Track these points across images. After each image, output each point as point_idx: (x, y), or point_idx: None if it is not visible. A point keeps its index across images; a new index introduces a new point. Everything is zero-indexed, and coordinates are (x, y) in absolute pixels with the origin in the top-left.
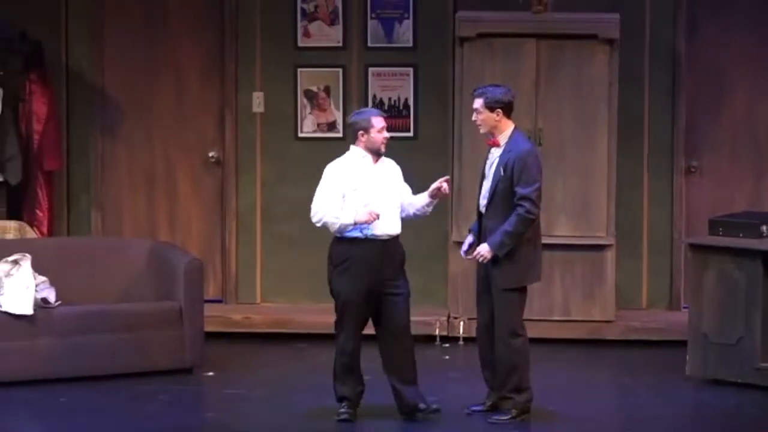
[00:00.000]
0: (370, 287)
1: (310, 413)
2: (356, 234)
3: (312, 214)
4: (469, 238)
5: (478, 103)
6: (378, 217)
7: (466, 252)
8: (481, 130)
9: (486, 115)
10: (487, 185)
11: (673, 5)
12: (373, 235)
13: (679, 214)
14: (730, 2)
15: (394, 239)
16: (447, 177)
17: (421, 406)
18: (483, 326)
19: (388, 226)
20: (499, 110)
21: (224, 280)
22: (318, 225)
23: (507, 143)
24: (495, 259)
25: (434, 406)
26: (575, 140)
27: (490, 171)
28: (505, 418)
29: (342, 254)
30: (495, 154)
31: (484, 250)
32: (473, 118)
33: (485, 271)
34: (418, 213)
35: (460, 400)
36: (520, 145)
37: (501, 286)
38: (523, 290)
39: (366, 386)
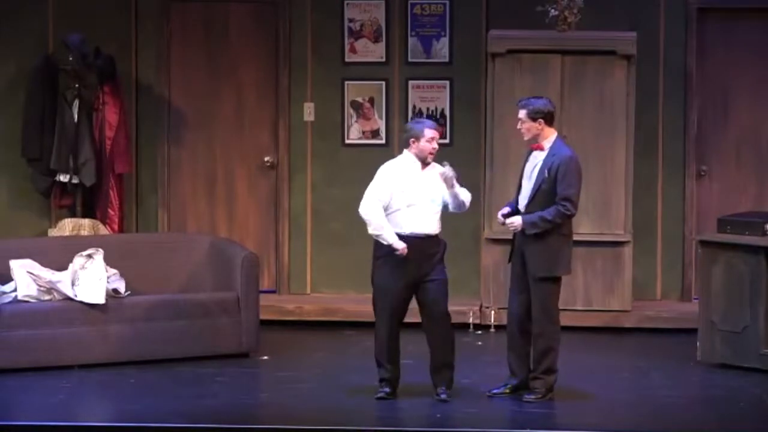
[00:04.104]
0: (407, 280)
1: (355, 393)
2: (399, 231)
3: (361, 209)
4: (508, 207)
5: (522, 113)
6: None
7: (504, 216)
8: (525, 137)
9: (529, 124)
10: (528, 185)
11: (685, 28)
12: (413, 233)
13: (690, 214)
14: (734, 26)
15: (432, 238)
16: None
17: (439, 391)
18: (514, 315)
19: (426, 226)
20: (541, 120)
21: (278, 272)
22: (363, 219)
23: (550, 148)
24: (533, 251)
25: (443, 396)
26: (596, 147)
27: (532, 173)
28: (538, 396)
29: (383, 248)
30: (538, 157)
31: (517, 221)
32: (518, 127)
33: (521, 267)
34: (453, 207)
35: (492, 381)
36: (563, 151)
37: (536, 275)
38: (556, 280)
39: (406, 369)
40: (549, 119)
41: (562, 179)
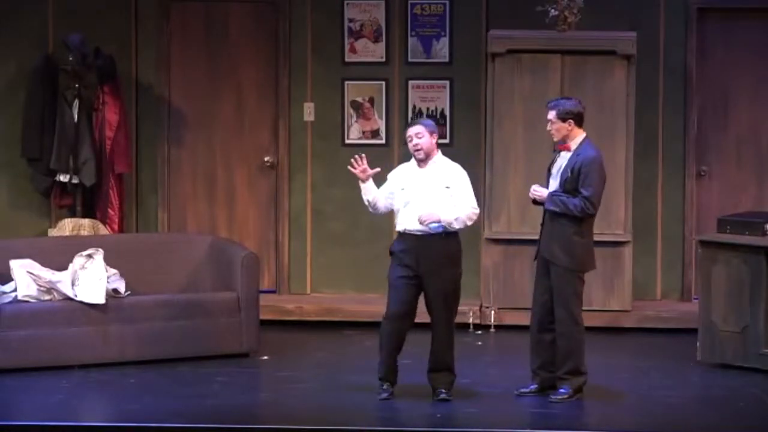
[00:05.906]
0: (405, 275)
1: (355, 393)
2: (398, 229)
3: None
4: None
5: (551, 114)
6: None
7: (535, 189)
8: (555, 138)
9: (559, 125)
10: (554, 184)
11: (685, 28)
12: (405, 230)
13: (690, 214)
14: (734, 26)
15: (434, 236)
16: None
17: (438, 391)
18: (537, 320)
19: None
20: (571, 120)
21: (277, 272)
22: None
23: (577, 148)
24: (556, 249)
25: (443, 395)
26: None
27: (558, 173)
28: (564, 397)
29: (392, 245)
30: (565, 157)
31: (543, 192)
32: (548, 128)
33: (545, 267)
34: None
35: (492, 381)
36: (588, 151)
37: (564, 266)
38: (581, 279)
39: (406, 369)
40: (578, 120)
41: (584, 180)
